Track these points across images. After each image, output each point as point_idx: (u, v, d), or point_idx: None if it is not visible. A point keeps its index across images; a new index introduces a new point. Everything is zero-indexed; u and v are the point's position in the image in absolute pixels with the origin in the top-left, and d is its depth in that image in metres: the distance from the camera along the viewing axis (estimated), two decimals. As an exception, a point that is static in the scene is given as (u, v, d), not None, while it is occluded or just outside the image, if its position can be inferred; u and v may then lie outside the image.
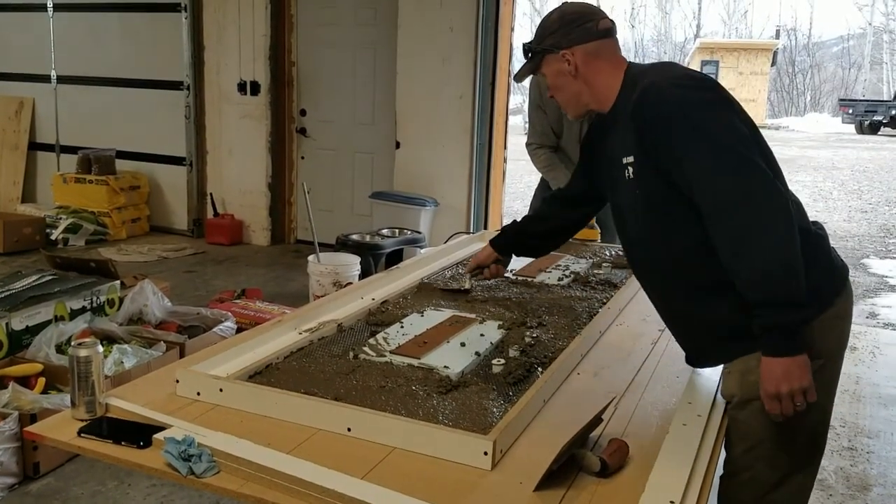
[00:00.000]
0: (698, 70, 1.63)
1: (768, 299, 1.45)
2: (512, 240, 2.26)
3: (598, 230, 3.06)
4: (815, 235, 1.62)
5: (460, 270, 2.58)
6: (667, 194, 1.59)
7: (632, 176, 1.64)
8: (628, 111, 1.62)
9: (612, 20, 1.76)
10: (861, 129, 20.56)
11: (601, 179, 1.88)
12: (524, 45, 1.81)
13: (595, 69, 1.72)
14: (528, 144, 3.40)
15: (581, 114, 1.81)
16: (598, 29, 1.72)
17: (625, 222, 1.76)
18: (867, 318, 5.13)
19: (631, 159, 1.64)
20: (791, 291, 1.44)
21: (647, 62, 1.83)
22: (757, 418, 1.59)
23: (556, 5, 1.85)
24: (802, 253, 1.47)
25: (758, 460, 1.64)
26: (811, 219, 1.66)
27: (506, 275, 2.58)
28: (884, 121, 20.05)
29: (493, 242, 2.29)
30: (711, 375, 1.82)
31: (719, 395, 1.71)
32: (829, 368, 1.62)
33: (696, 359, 1.77)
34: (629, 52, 28.11)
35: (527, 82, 3.25)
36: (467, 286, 2.37)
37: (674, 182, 1.56)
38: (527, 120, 3.42)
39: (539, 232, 2.21)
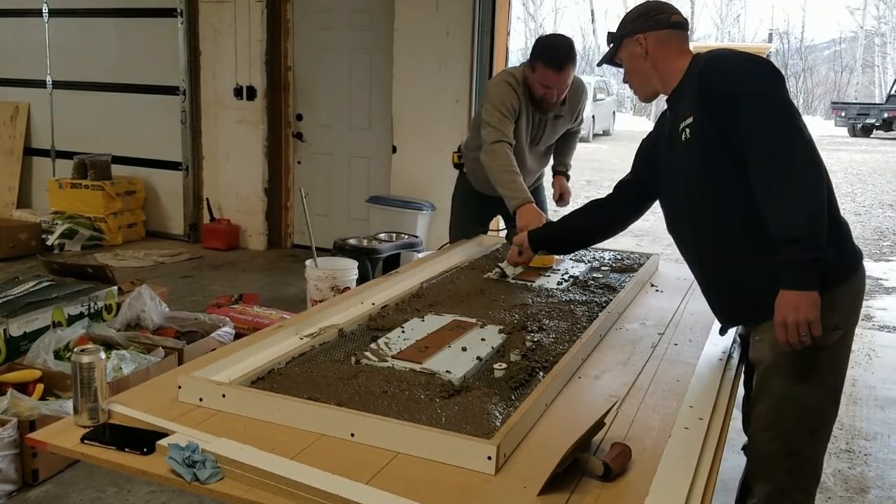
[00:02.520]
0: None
1: (793, 236, 1.64)
2: (548, 236, 2.49)
3: (554, 257, 2.80)
4: (843, 225, 1.84)
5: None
6: (720, 148, 1.78)
7: (689, 136, 1.84)
8: (695, 76, 1.84)
9: (684, 16, 2.02)
10: (854, 132, 20.64)
11: (659, 163, 2.08)
12: (608, 33, 2.07)
13: (664, 53, 1.96)
14: (495, 142, 2.98)
15: (650, 96, 2.05)
16: (671, 21, 1.97)
17: (678, 187, 1.95)
18: (863, 320, 5.13)
19: (689, 121, 1.84)
20: (813, 234, 1.64)
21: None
22: (786, 379, 1.80)
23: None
24: (830, 227, 1.69)
25: (786, 416, 1.84)
26: None
27: (505, 279, 2.59)
28: (876, 123, 20.12)
29: (530, 235, 2.51)
30: (711, 379, 1.83)
31: (720, 398, 1.73)
32: (846, 338, 1.85)
33: (729, 320, 1.99)
34: (623, 56, 28.18)
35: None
36: (507, 273, 2.56)
37: (726, 137, 1.75)
38: (489, 122, 3.01)
39: (576, 232, 2.43)
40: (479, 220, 3.51)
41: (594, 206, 2.38)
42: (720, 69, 1.78)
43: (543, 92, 2.99)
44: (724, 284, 1.91)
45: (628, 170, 2.30)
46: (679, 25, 1.97)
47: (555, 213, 3.24)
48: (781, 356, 1.77)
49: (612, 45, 2.05)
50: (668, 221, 2.07)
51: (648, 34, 1.96)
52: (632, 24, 1.99)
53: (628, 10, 2.05)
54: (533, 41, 3.24)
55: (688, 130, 1.84)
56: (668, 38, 1.96)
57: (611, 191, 2.34)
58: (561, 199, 3.38)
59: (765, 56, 1.94)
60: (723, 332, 2.07)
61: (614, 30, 2.06)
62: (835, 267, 1.71)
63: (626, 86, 2.13)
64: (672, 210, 2.04)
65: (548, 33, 3.31)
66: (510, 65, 5.75)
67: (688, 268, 2.08)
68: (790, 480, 1.88)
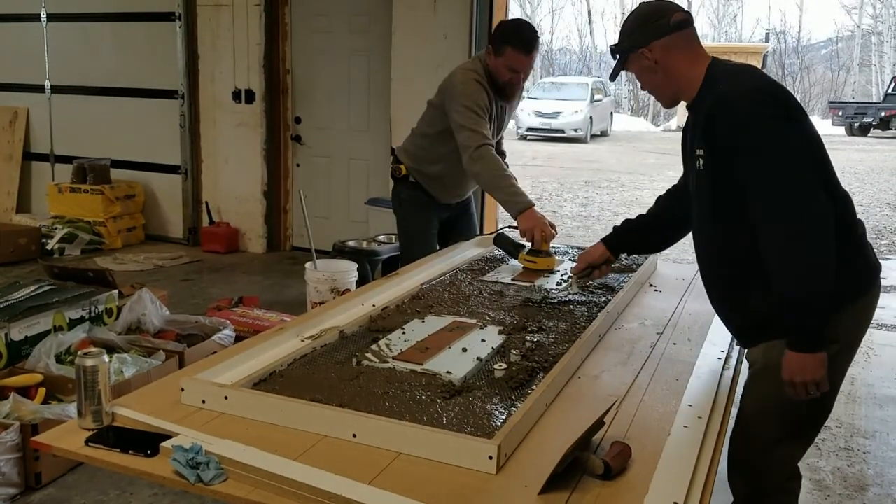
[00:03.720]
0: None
1: (799, 303, 1.65)
2: (626, 238, 2.29)
3: (556, 259, 2.80)
4: (858, 236, 1.82)
5: (590, 281, 2.48)
6: (725, 190, 1.76)
7: (702, 166, 1.81)
8: (703, 110, 1.77)
9: (686, 12, 1.89)
10: (851, 131, 20.67)
11: (686, 165, 2.02)
12: (611, 47, 1.97)
13: (673, 61, 1.84)
14: (479, 146, 2.86)
15: (673, 103, 1.96)
16: (671, 23, 1.84)
17: (693, 206, 1.94)
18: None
19: (701, 151, 1.80)
20: (814, 302, 1.64)
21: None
22: (771, 384, 1.77)
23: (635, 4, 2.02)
24: (843, 250, 1.67)
25: (765, 420, 1.85)
26: None
27: (504, 280, 2.60)
28: (873, 122, 20.15)
29: (606, 241, 2.31)
30: (710, 378, 1.85)
31: (719, 397, 1.74)
32: (843, 353, 1.81)
33: (738, 338, 1.98)
34: (621, 57, 28.22)
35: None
36: (577, 289, 2.42)
37: (733, 181, 1.72)
38: (466, 125, 2.90)
39: (654, 228, 2.26)
40: (436, 235, 3.35)
41: (672, 194, 2.22)
42: (724, 116, 1.71)
43: (510, 77, 2.96)
44: (727, 305, 1.92)
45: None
46: (682, 25, 1.84)
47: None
48: (772, 362, 1.77)
49: (619, 60, 1.95)
50: (680, 202, 2.06)
51: (652, 45, 1.83)
52: (631, 38, 1.87)
53: (626, 19, 1.94)
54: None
55: (700, 161, 1.80)
56: (674, 44, 1.83)
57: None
58: None
59: (767, 76, 1.85)
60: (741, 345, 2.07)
61: (616, 42, 1.97)
62: (845, 287, 1.70)
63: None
64: (691, 216, 2.01)
65: (510, 19, 3.26)
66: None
67: (686, 268, 2.10)
68: (764, 480, 1.89)
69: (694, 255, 2.01)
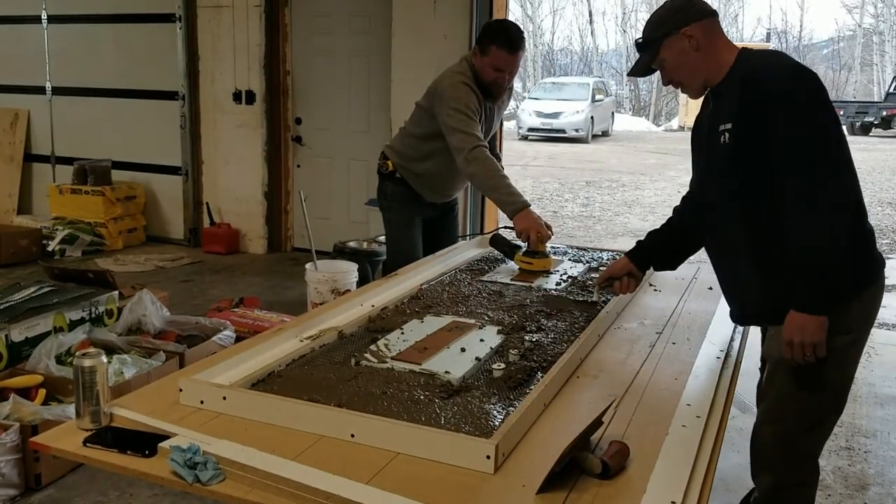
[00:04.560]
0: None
1: (809, 264, 1.72)
2: (650, 252, 2.23)
3: (552, 259, 2.78)
4: (868, 230, 1.89)
5: (590, 281, 2.53)
6: (755, 159, 1.79)
7: (727, 140, 1.83)
8: (735, 83, 1.81)
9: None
10: (852, 131, 20.62)
11: (699, 154, 2.03)
12: (638, 40, 1.98)
13: (714, 41, 1.89)
14: (473, 147, 2.87)
15: (701, 90, 1.94)
16: (707, 8, 1.91)
17: (710, 182, 1.95)
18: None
19: (729, 126, 1.82)
20: (828, 264, 1.71)
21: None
22: (791, 377, 1.85)
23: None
24: (855, 240, 1.78)
25: (788, 412, 1.90)
26: None
27: (503, 280, 2.60)
28: (875, 122, 20.12)
29: (630, 254, 2.25)
30: (709, 378, 1.84)
31: (717, 397, 1.74)
32: (856, 345, 1.89)
33: (743, 317, 2.03)
34: (622, 57, 28.24)
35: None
36: (594, 298, 2.34)
37: (763, 152, 1.76)
38: (458, 128, 2.90)
39: (677, 240, 2.21)
40: (420, 229, 3.36)
41: (690, 200, 2.18)
42: (768, 81, 1.76)
43: (495, 76, 2.97)
44: (744, 284, 1.94)
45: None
46: (714, 12, 1.92)
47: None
48: None
49: (648, 51, 1.94)
50: (700, 209, 2.06)
51: (693, 25, 1.87)
52: (672, 21, 1.89)
53: (653, 15, 1.98)
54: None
55: (726, 135, 1.84)
56: (711, 27, 1.90)
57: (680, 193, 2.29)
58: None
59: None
60: (741, 324, 2.13)
61: (642, 37, 1.96)
62: (855, 275, 1.80)
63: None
64: (702, 199, 2.04)
65: (495, 19, 3.26)
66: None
67: (685, 267, 2.10)
68: (789, 474, 1.94)
69: (694, 255, 2.01)
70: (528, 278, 2.62)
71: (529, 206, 2.79)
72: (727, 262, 1.99)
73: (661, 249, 2.23)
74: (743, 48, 1.91)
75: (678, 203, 2.25)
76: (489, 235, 3.08)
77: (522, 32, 3.03)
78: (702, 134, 1.99)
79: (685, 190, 2.26)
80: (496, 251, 3.00)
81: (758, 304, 1.93)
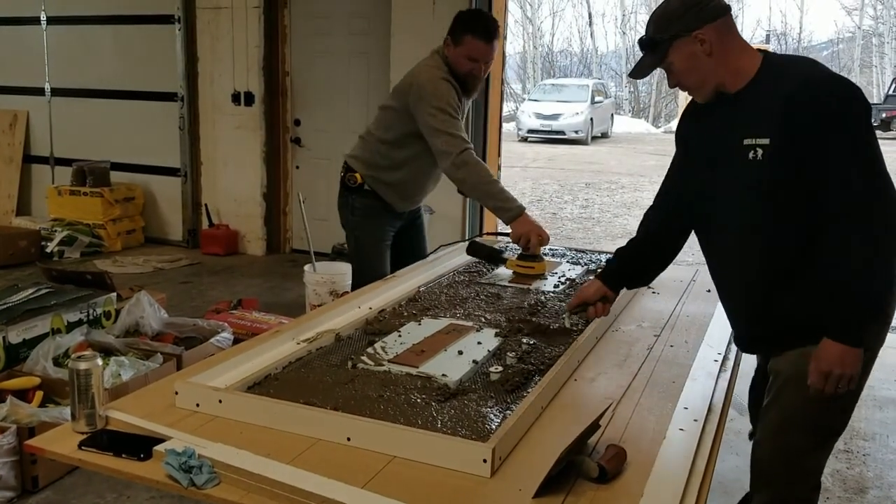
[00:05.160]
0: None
1: (860, 295, 1.63)
2: (623, 271, 2.06)
3: (545, 263, 2.70)
4: None
5: (562, 309, 2.24)
6: (795, 182, 1.67)
7: (760, 157, 1.69)
8: (780, 96, 1.65)
9: None
10: (852, 133, 20.64)
11: (700, 161, 1.86)
12: (642, 39, 1.81)
13: (729, 45, 1.74)
14: (462, 151, 2.71)
15: (711, 96, 1.79)
16: (721, 6, 1.74)
17: (729, 200, 1.79)
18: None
19: (766, 141, 1.68)
20: (874, 299, 1.66)
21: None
22: (800, 395, 1.75)
23: None
24: None
25: (794, 430, 1.81)
26: None
27: (501, 283, 2.60)
28: (875, 123, 20.15)
29: (601, 277, 2.06)
30: (706, 381, 1.84)
31: (715, 400, 1.73)
32: (872, 358, 1.81)
33: (752, 344, 1.92)
34: (621, 59, 28.24)
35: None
36: (567, 325, 2.12)
37: (805, 173, 1.65)
38: (443, 129, 2.74)
39: (649, 257, 2.05)
40: (389, 247, 3.12)
41: (661, 209, 2.02)
42: (816, 99, 1.63)
43: (470, 67, 2.81)
44: (761, 306, 1.81)
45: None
46: (728, 9, 1.75)
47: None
48: (800, 372, 1.72)
49: (654, 53, 1.78)
50: (704, 224, 1.91)
51: (706, 28, 1.71)
52: (682, 21, 1.72)
53: (663, 7, 1.78)
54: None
55: (759, 151, 1.69)
56: (726, 28, 1.74)
57: (652, 199, 2.07)
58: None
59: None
60: (747, 351, 1.99)
61: (647, 35, 1.80)
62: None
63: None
64: (712, 216, 1.87)
65: (464, 10, 2.98)
66: (507, 69, 5.75)
67: (686, 270, 2.07)
68: (791, 491, 1.87)
69: (693, 256, 1.96)
70: (525, 281, 2.61)
71: (525, 210, 2.72)
72: (757, 286, 1.81)
73: (632, 268, 2.06)
74: (766, 52, 1.77)
75: (642, 218, 2.06)
76: (484, 239, 3.02)
77: (497, 22, 2.90)
78: (715, 138, 1.81)
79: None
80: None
81: (788, 328, 1.79)
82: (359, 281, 2.95)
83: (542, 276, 2.64)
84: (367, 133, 3.06)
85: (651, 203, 2.07)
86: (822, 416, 1.79)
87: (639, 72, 1.86)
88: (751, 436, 2.06)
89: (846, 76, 1.97)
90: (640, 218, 2.09)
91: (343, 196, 3.11)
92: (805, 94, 1.64)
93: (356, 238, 3.11)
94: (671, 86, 1.86)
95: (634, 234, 2.08)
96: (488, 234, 2.91)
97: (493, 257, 2.79)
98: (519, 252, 2.72)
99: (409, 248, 3.16)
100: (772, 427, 1.86)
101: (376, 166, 2.98)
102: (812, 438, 1.82)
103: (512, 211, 2.70)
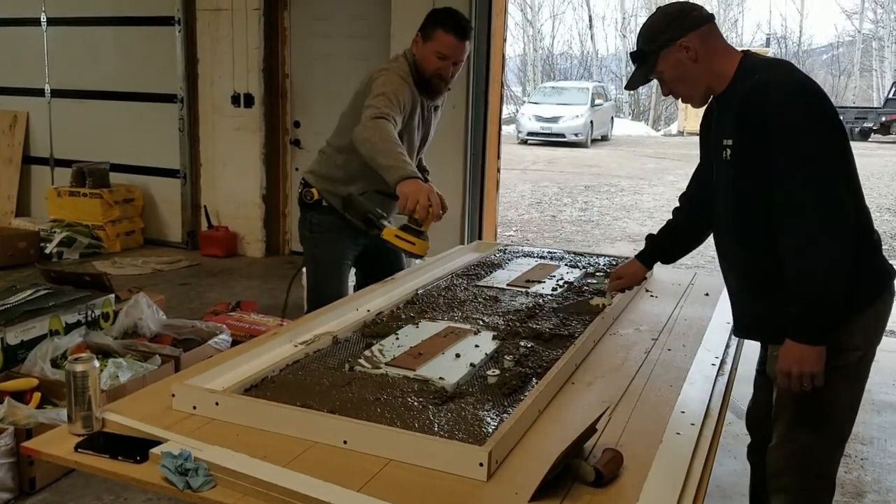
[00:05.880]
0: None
1: (806, 293, 1.68)
2: (658, 250, 2.26)
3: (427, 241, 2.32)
4: (874, 242, 1.83)
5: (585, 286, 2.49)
6: (754, 179, 1.75)
7: (728, 157, 1.81)
8: (738, 97, 1.75)
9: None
10: (852, 136, 20.54)
11: (706, 160, 2.01)
12: (632, 53, 1.91)
13: (712, 49, 1.83)
14: (377, 117, 2.42)
15: (703, 101, 1.89)
16: (703, 15, 1.84)
17: (718, 196, 1.92)
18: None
19: (730, 142, 1.80)
20: (826, 295, 1.67)
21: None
22: (804, 398, 1.78)
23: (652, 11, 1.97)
24: (860, 256, 1.72)
25: (803, 433, 1.85)
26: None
27: (499, 285, 2.60)
28: (874, 127, 20.13)
29: (640, 258, 2.29)
30: (704, 385, 1.84)
31: (712, 404, 1.73)
32: (866, 358, 1.86)
33: (748, 331, 1.98)
34: (621, 62, 28.26)
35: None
36: (609, 303, 2.29)
37: (760, 170, 1.73)
38: (374, 105, 2.47)
39: (685, 235, 2.22)
40: (350, 267, 2.91)
41: (686, 202, 2.21)
42: (763, 102, 1.71)
43: (438, 65, 2.62)
44: (748, 301, 1.91)
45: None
46: (710, 17, 1.85)
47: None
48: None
49: (644, 64, 1.88)
50: (712, 220, 2.02)
51: (690, 35, 1.81)
52: (668, 32, 1.82)
53: (647, 24, 1.90)
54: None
55: (727, 151, 1.81)
56: (709, 35, 1.83)
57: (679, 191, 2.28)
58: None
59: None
60: (742, 336, 2.10)
61: (637, 48, 1.89)
62: (861, 289, 1.75)
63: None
64: (713, 213, 1.99)
65: (441, 7, 2.76)
66: (507, 72, 5.75)
67: (683, 273, 2.09)
68: (804, 496, 1.90)
69: (691, 260, 2.00)
70: (524, 283, 2.60)
71: (421, 178, 2.30)
72: (726, 270, 1.97)
73: (667, 247, 2.26)
74: (745, 53, 1.85)
75: (677, 204, 2.25)
76: (476, 243, 2.87)
77: (470, 23, 2.73)
78: (710, 137, 1.95)
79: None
80: (493, 255, 2.94)
81: (748, 319, 1.93)
82: (314, 303, 2.69)
83: (419, 257, 2.27)
84: (325, 146, 2.92)
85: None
86: (828, 419, 1.83)
87: (632, 84, 1.98)
88: (749, 454, 2.12)
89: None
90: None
91: (301, 214, 2.90)
92: (755, 95, 1.72)
93: (313, 256, 2.88)
94: (664, 94, 1.97)
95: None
96: (379, 192, 2.55)
97: (369, 221, 2.36)
98: (404, 222, 2.26)
99: (385, 264, 2.86)
100: (781, 434, 1.89)
101: (332, 179, 2.79)
102: (822, 441, 1.86)
103: (403, 171, 2.26)
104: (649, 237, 2.30)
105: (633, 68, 1.94)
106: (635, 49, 1.90)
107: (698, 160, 2.11)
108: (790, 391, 1.77)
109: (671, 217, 2.26)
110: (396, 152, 2.33)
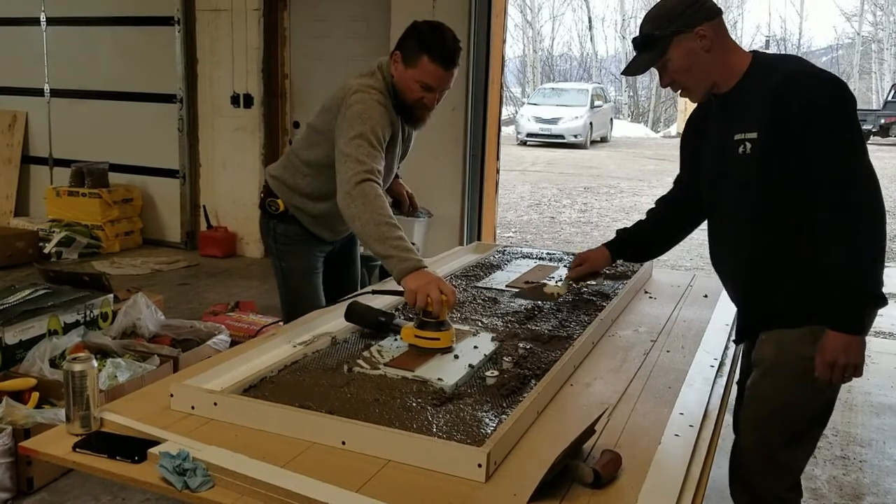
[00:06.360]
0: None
1: (852, 282, 1.66)
2: (629, 246, 2.30)
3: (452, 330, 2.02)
4: None
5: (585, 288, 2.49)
6: (782, 175, 1.73)
7: (749, 151, 1.76)
8: (766, 92, 1.72)
9: None
10: (851, 138, 20.61)
11: (704, 160, 1.96)
12: (640, 37, 1.82)
13: (726, 43, 1.80)
14: (361, 181, 2.14)
15: (706, 95, 1.85)
16: (716, 6, 1.80)
17: (723, 192, 1.88)
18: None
19: (753, 135, 1.75)
20: (876, 282, 1.67)
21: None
22: (780, 384, 1.81)
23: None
24: None
25: (770, 423, 1.84)
26: None
27: (498, 287, 2.60)
28: (873, 129, 20.14)
29: (608, 246, 2.32)
30: (702, 387, 1.84)
31: (711, 405, 1.73)
32: None
33: (749, 329, 1.94)
34: (621, 64, 28.27)
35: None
36: (563, 292, 2.33)
37: (791, 166, 1.71)
38: (354, 155, 2.21)
39: (655, 237, 2.26)
40: (321, 276, 2.75)
41: (664, 206, 2.24)
42: (800, 93, 1.68)
43: (421, 96, 2.35)
44: (752, 292, 1.90)
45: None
46: (721, 12, 1.82)
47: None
48: (783, 359, 1.81)
49: (654, 49, 1.80)
50: (709, 219, 2.02)
51: (706, 25, 1.76)
52: (683, 17, 1.76)
53: (660, 5, 1.82)
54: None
55: (748, 145, 1.76)
56: (720, 27, 1.80)
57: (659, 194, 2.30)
58: (408, 205, 2.88)
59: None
60: (738, 341, 2.07)
61: (644, 32, 1.82)
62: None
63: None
64: (712, 209, 1.98)
65: (422, 20, 2.49)
66: (506, 73, 5.75)
67: (681, 274, 2.09)
68: (766, 486, 1.88)
69: (690, 262, 2.01)
70: (523, 285, 2.60)
71: (426, 266, 2.05)
72: (749, 271, 1.89)
73: (636, 245, 2.29)
74: (756, 52, 1.84)
75: (656, 206, 2.26)
76: (476, 244, 2.84)
77: (459, 43, 2.38)
78: (705, 141, 1.93)
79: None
80: (492, 255, 2.93)
81: (763, 313, 1.88)
82: (289, 317, 2.48)
83: (448, 350, 1.92)
84: (290, 152, 2.66)
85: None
86: (800, 409, 1.82)
87: (634, 69, 1.87)
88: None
89: (847, 79, 2.02)
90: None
91: (263, 221, 2.70)
92: (789, 89, 1.69)
93: (282, 269, 2.71)
94: (663, 85, 1.88)
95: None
96: (376, 290, 2.34)
97: (382, 325, 2.07)
98: (419, 317, 1.98)
99: (345, 276, 2.80)
100: (749, 420, 1.89)
101: (300, 193, 2.57)
102: (789, 432, 1.84)
103: (407, 263, 2.03)
104: (621, 231, 2.32)
105: (635, 54, 1.87)
106: (640, 33, 1.83)
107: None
108: (770, 377, 1.81)
109: (646, 215, 2.27)
110: (394, 237, 2.07)
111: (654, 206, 2.28)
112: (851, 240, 1.66)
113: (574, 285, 2.44)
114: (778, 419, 1.84)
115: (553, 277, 2.69)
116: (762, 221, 1.81)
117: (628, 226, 2.34)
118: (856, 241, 1.66)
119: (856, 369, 1.71)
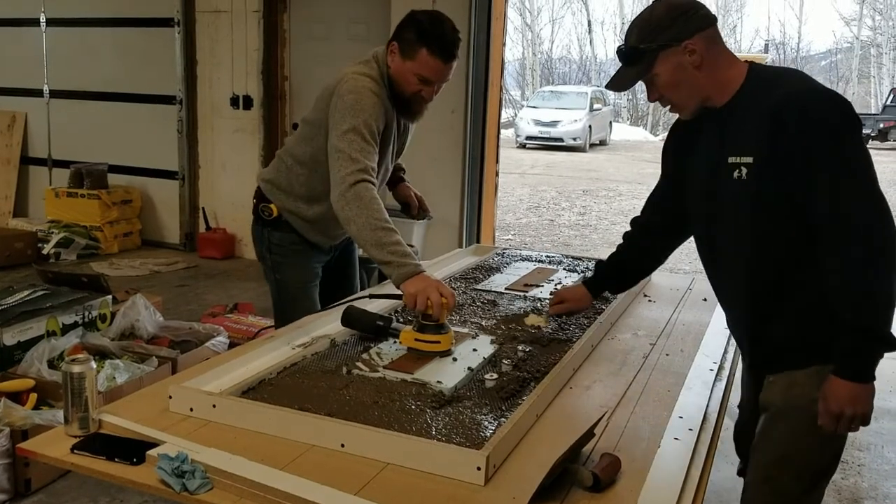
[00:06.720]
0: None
1: (864, 326, 1.51)
2: (608, 280, 2.17)
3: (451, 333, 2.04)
4: None
5: (538, 306, 2.37)
6: (780, 202, 1.59)
7: (745, 177, 1.61)
8: (761, 110, 1.57)
9: None
10: (850, 142, 20.63)
11: (691, 179, 1.80)
12: (624, 48, 1.68)
13: (717, 56, 1.64)
14: (356, 182, 2.11)
15: (697, 111, 1.70)
16: (709, 15, 1.64)
17: (717, 218, 1.72)
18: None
19: (749, 160, 1.60)
20: (885, 325, 1.51)
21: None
22: (792, 430, 1.67)
23: (648, 4, 1.73)
24: None
25: (787, 470, 1.70)
26: None
27: (498, 289, 2.60)
28: (872, 134, 20.16)
29: (588, 284, 2.18)
30: (702, 390, 1.84)
31: (710, 409, 1.73)
32: None
33: (755, 367, 1.82)
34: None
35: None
36: (545, 324, 2.19)
37: (791, 193, 1.57)
38: (347, 151, 2.16)
39: (634, 267, 2.15)
40: (318, 287, 2.65)
41: (640, 232, 2.08)
42: (803, 114, 1.52)
43: (419, 88, 2.29)
44: (752, 328, 1.75)
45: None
46: (716, 20, 1.65)
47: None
48: (791, 404, 1.67)
49: (638, 63, 1.67)
50: (699, 244, 1.85)
51: (696, 37, 1.60)
52: (671, 30, 1.61)
53: (647, 16, 1.66)
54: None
55: (744, 170, 1.61)
56: (714, 38, 1.64)
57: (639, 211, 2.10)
58: (417, 208, 2.79)
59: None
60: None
61: (629, 45, 1.68)
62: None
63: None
64: (706, 235, 1.80)
65: (420, 10, 2.35)
66: (506, 76, 5.75)
67: (681, 278, 2.07)
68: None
69: (690, 265, 1.98)
70: (522, 287, 2.60)
71: (424, 271, 2.04)
72: (748, 304, 1.75)
73: (615, 278, 2.18)
74: (751, 64, 1.68)
75: (631, 231, 2.11)
76: (475, 246, 2.82)
77: (458, 34, 2.30)
78: (694, 156, 1.77)
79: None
80: (491, 258, 2.94)
81: (778, 350, 1.72)
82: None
83: (447, 353, 1.92)
84: (282, 153, 2.57)
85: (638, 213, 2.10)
86: (814, 455, 1.69)
87: (619, 84, 1.74)
88: (739, 472, 1.98)
89: (842, 87, 1.92)
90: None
91: (257, 230, 2.58)
92: (791, 110, 1.53)
93: (277, 281, 2.58)
94: (651, 100, 1.74)
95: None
96: (374, 295, 2.30)
97: (380, 329, 2.04)
98: (418, 320, 1.97)
99: (342, 284, 2.73)
100: (762, 468, 1.74)
101: (294, 196, 2.48)
102: (806, 480, 1.71)
103: (405, 268, 2.02)
104: (599, 265, 2.22)
105: (620, 66, 1.73)
106: (625, 44, 1.68)
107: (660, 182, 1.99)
108: (781, 423, 1.68)
109: (622, 243, 2.12)
110: (391, 242, 2.04)
111: (630, 229, 2.12)
112: (861, 278, 1.50)
113: (555, 318, 2.25)
114: (793, 468, 1.70)
115: (545, 284, 2.69)
116: (758, 253, 1.66)
117: (604, 258, 2.21)
118: (866, 280, 1.50)
119: (864, 419, 1.56)
